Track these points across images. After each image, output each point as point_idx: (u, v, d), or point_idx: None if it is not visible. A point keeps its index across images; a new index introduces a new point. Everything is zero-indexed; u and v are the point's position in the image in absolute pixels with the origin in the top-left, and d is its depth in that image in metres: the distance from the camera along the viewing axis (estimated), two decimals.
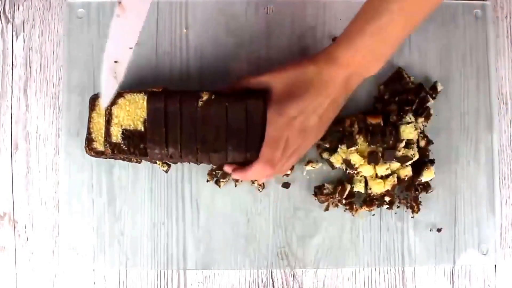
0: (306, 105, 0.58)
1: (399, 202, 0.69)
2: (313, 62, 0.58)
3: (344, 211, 0.69)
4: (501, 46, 0.72)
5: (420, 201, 0.69)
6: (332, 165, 0.68)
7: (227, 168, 0.62)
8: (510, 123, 0.72)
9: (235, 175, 0.62)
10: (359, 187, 0.66)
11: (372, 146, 0.65)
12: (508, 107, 0.72)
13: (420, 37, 0.71)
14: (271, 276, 0.70)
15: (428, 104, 0.69)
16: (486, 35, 0.71)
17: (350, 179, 0.68)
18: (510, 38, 0.73)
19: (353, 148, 0.65)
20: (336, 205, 0.68)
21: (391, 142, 0.65)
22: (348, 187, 0.67)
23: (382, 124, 0.65)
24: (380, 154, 0.64)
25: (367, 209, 0.68)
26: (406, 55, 0.70)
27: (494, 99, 0.71)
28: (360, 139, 0.65)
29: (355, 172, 0.66)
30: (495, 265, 0.71)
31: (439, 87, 0.69)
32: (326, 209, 0.68)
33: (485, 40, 0.71)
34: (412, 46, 0.71)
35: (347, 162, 0.65)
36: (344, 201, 0.67)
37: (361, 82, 0.59)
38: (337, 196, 0.66)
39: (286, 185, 0.69)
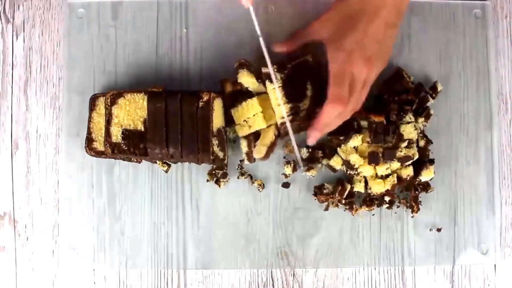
0: (362, 35, 0.57)
1: (399, 202, 0.69)
2: None
3: (344, 211, 0.69)
4: (501, 46, 0.72)
5: (420, 201, 0.69)
6: (333, 169, 0.67)
7: (311, 137, 0.63)
8: (510, 123, 0.72)
9: (312, 128, 0.61)
10: (359, 187, 0.67)
11: (373, 145, 0.65)
12: (508, 107, 0.72)
13: (420, 37, 0.71)
14: (271, 276, 0.70)
15: (428, 104, 0.69)
16: (486, 35, 0.71)
17: (350, 179, 0.68)
18: (510, 38, 0.73)
19: (351, 146, 0.65)
20: (336, 205, 0.68)
21: (393, 141, 0.65)
22: (348, 187, 0.67)
23: (385, 123, 0.65)
24: (380, 154, 0.64)
25: (367, 209, 0.68)
26: (406, 54, 0.70)
27: (494, 99, 0.71)
28: (365, 134, 0.65)
29: (355, 172, 0.66)
30: (495, 265, 0.71)
31: (439, 87, 0.69)
32: (326, 209, 0.68)
33: (485, 40, 0.71)
34: (412, 45, 0.71)
35: (347, 163, 0.65)
36: (344, 201, 0.67)
37: None
38: (337, 196, 0.66)
39: (286, 185, 0.69)
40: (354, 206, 0.68)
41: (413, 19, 0.71)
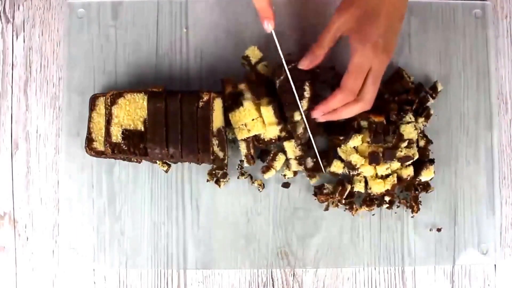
0: (384, 28, 0.58)
1: (399, 202, 0.69)
2: None
3: (344, 211, 0.69)
4: (501, 46, 0.72)
5: (420, 201, 0.69)
6: (335, 175, 0.67)
7: (315, 113, 0.62)
8: (510, 123, 0.72)
9: (318, 111, 0.62)
10: (359, 187, 0.66)
11: (373, 145, 0.65)
12: (508, 107, 0.72)
13: (420, 37, 0.71)
14: (271, 276, 0.70)
15: (428, 104, 0.69)
16: (486, 35, 0.71)
17: (350, 179, 0.68)
18: (510, 38, 0.73)
19: (351, 147, 0.65)
20: (336, 205, 0.68)
21: (393, 141, 0.65)
22: (348, 188, 0.67)
23: (385, 122, 0.65)
24: (380, 154, 0.64)
25: (367, 209, 0.68)
26: (406, 54, 0.70)
27: (494, 99, 0.71)
28: (365, 134, 0.65)
29: (356, 173, 0.66)
30: (495, 265, 0.71)
31: (439, 87, 0.69)
32: (326, 209, 0.68)
33: (485, 40, 0.71)
34: (412, 46, 0.71)
35: (348, 164, 0.65)
36: (344, 201, 0.67)
37: None
38: (337, 196, 0.66)
39: (286, 185, 0.69)
40: (354, 206, 0.68)
41: (413, 19, 0.71)
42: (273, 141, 0.66)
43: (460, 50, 0.71)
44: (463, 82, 0.71)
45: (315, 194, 0.68)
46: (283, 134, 0.65)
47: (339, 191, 0.66)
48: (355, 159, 0.65)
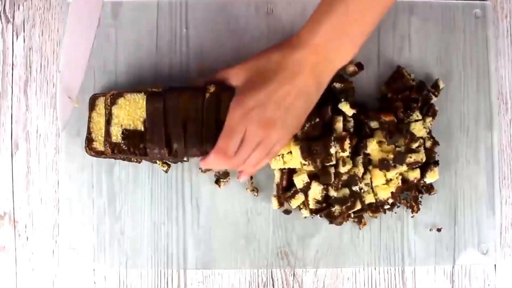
0: (266, 96, 0.54)
1: (399, 202, 0.69)
2: (278, 48, 0.56)
3: (353, 222, 0.68)
4: (501, 46, 0.72)
5: (420, 201, 0.69)
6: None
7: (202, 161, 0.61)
8: (510, 123, 0.72)
9: (201, 163, 0.61)
10: (369, 198, 0.65)
11: (384, 148, 0.64)
12: (508, 107, 0.72)
13: (420, 37, 0.71)
14: (271, 276, 0.70)
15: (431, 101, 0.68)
16: (486, 35, 0.71)
17: (359, 194, 0.65)
18: (510, 38, 0.73)
19: (367, 151, 0.64)
20: (346, 220, 0.67)
21: (405, 141, 0.64)
22: (358, 206, 0.64)
23: (395, 121, 0.64)
24: (391, 161, 0.63)
25: (371, 215, 0.67)
26: (406, 55, 0.70)
27: (494, 99, 0.71)
28: (379, 136, 0.64)
29: (369, 185, 0.65)
30: (495, 265, 0.71)
31: (441, 85, 0.69)
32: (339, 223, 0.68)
33: (485, 40, 0.71)
34: (412, 46, 0.71)
35: (354, 180, 0.64)
36: (352, 215, 0.66)
37: (333, 72, 0.56)
38: (344, 210, 0.64)
39: (287, 212, 0.68)
40: (362, 221, 0.67)
41: (413, 19, 0.71)
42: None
43: (460, 50, 0.71)
44: (463, 82, 0.71)
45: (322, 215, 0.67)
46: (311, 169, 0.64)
47: (347, 207, 0.64)
48: (360, 170, 0.64)
